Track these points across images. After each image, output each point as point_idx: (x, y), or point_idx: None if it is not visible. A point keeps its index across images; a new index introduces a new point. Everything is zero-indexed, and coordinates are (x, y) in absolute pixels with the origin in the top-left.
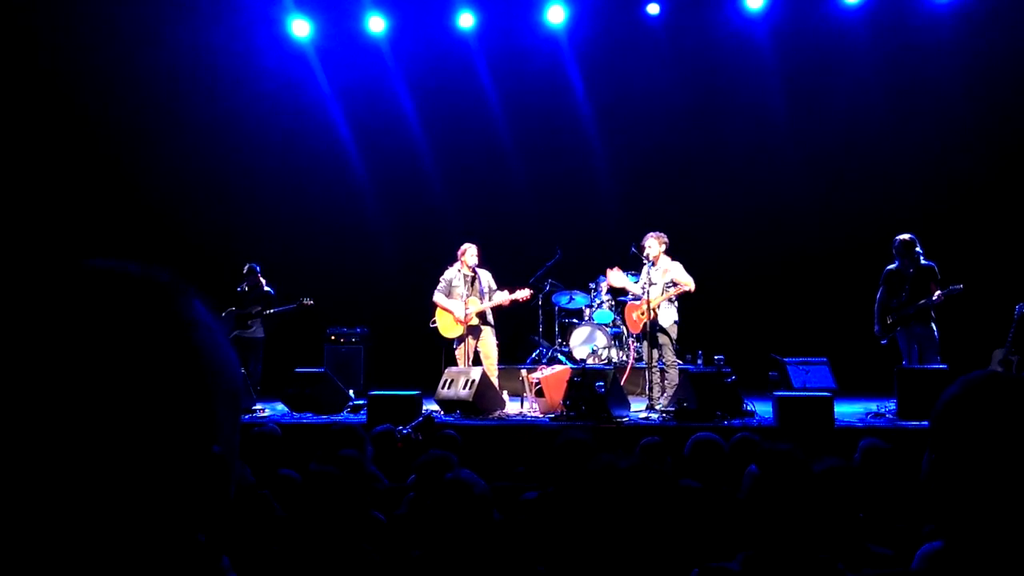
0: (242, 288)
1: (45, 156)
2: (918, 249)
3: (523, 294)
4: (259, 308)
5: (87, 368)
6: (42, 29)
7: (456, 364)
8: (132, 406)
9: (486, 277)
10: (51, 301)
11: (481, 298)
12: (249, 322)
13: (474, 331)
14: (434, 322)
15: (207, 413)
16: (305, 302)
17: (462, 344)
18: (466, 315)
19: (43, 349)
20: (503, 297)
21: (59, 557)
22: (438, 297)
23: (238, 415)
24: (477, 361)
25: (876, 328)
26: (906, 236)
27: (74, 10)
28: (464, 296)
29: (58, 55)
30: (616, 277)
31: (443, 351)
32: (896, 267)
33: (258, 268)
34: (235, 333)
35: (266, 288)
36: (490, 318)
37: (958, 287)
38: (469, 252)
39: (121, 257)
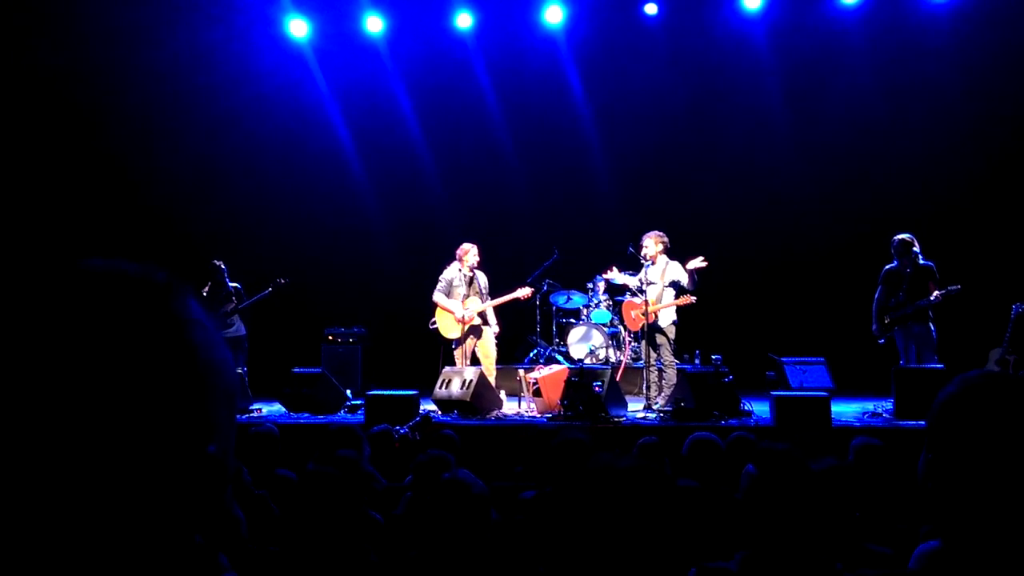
0: (207, 288)
1: (44, 155)
2: (916, 249)
3: (524, 292)
4: (232, 305)
5: (83, 367)
6: (41, 28)
7: (455, 364)
8: (128, 405)
9: (483, 278)
10: (48, 301)
11: (482, 298)
12: (228, 320)
13: (475, 331)
14: (434, 322)
15: (203, 412)
16: (280, 282)
17: (462, 344)
18: (467, 315)
19: (40, 348)
20: (507, 296)
21: (55, 557)
22: (438, 297)
23: (234, 415)
24: (475, 361)
25: (874, 327)
26: (904, 236)
27: (73, 10)
28: (464, 296)
29: (57, 54)
30: (615, 275)
31: (441, 351)
32: (895, 266)
33: (224, 267)
34: None
35: (232, 285)
36: (490, 318)
37: (956, 287)
38: (471, 252)
39: (119, 257)
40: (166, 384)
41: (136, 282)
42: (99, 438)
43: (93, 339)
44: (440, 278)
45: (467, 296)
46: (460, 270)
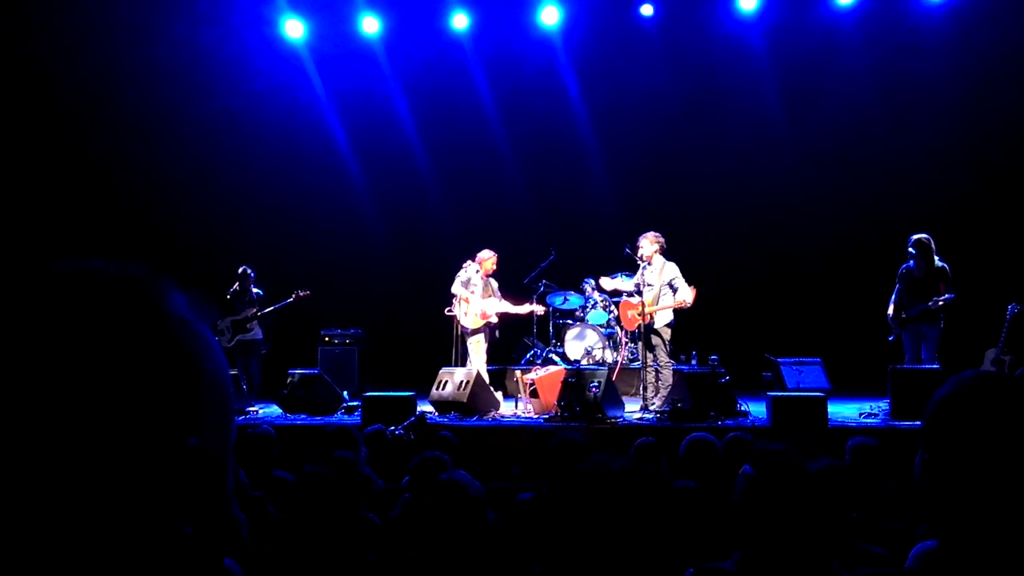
0: (232, 291)
1: (38, 155)
2: (913, 251)
3: (539, 309)
4: (254, 310)
5: (63, 365)
6: (36, 28)
7: (469, 356)
8: (110, 399)
9: (493, 281)
10: (24, 303)
11: (498, 299)
12: (248, 324)
13: (491, 329)
14: (450, 310)
15: (187, 402)
16: (300, 293)
17: (479, 335)
18: (489, 312)
19: (20, 349)
20: (521, 308)
21: (46, 554)
22: (459, 289)
23: (226, 402)
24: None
25: (890, 318)
26: (919, 236)
27: (69, 9)
28: (480, 295)
29: (52, 54)
30: (606, 283)
31: (456, 341)
32: (910, 267)
33: (252, 272)
34: (236, 338)
35: (255, 290)
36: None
37: (949, 296)
38: (492, 261)
39: (114, 258)
40: (146, 376)
41: (111, 278)
42: (83, 434)
43: (70, 336)
44: (459, 274)
45: (486, 296)
46: (478, 272)
